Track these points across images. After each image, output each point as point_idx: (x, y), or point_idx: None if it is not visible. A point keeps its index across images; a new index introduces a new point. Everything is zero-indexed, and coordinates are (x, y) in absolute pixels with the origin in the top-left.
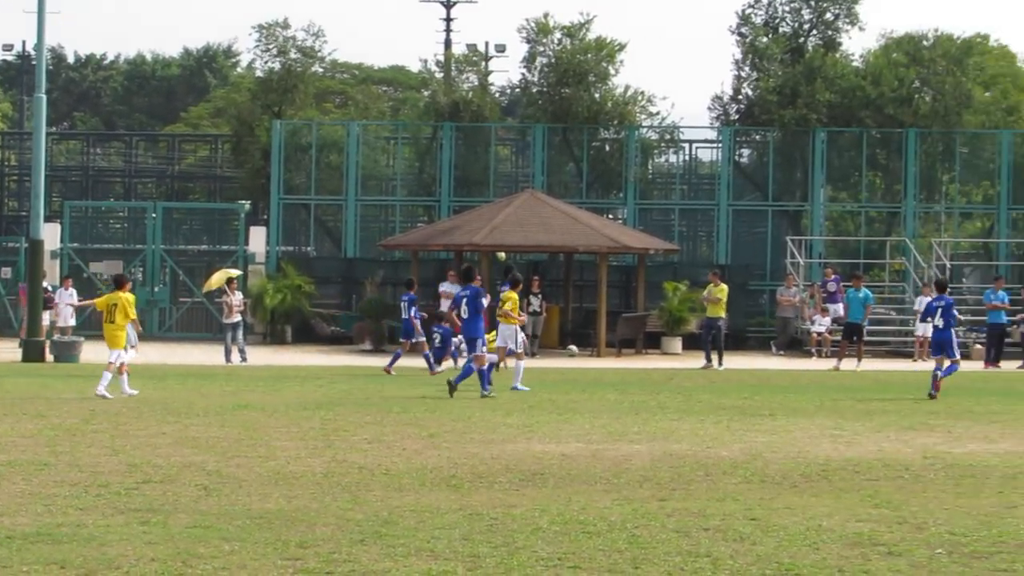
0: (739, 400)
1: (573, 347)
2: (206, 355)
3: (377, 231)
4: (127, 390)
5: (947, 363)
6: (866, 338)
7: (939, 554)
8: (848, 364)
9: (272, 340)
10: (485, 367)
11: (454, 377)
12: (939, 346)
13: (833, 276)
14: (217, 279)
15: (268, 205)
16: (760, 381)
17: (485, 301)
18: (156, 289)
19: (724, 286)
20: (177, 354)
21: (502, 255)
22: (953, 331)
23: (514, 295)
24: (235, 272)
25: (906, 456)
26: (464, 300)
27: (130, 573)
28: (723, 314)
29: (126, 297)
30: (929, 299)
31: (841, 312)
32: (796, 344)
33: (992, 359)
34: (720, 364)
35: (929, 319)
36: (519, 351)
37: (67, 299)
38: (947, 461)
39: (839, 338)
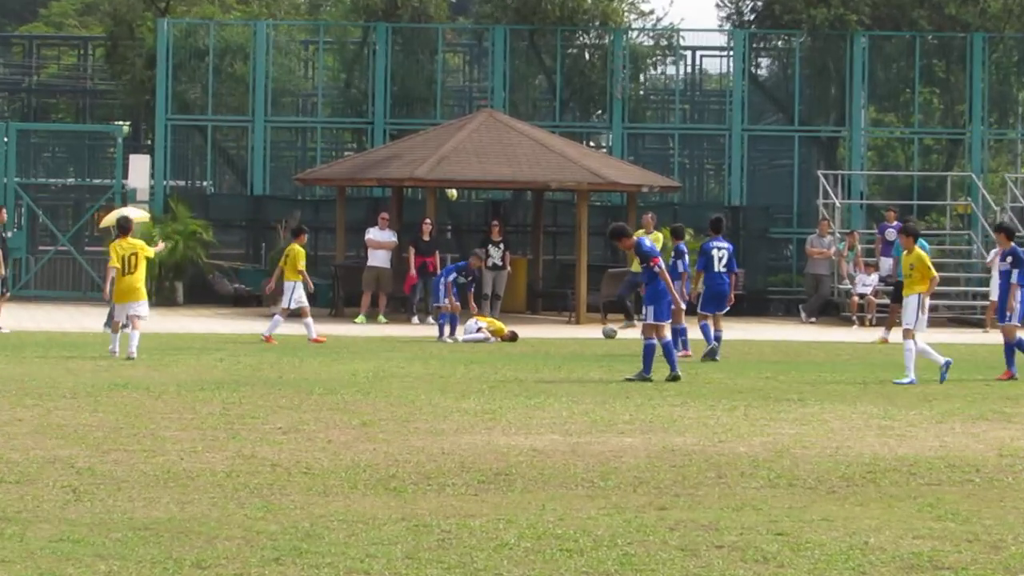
0: (759, 381)
1: (613, 327)
2: (74, 319)
3: (293, 162)
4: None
5: None
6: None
7: None
8: (899, 335)
9: (159, 300)
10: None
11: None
12: None
13: (895, 221)
14: (110, 219)
15: (153, 127)
16: (786, 356)
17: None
18: (9, 235)
19: (659, 234)
20: (37, 318)
21: (453, 193)
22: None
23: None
24: (141, 215)
25: (976, 454)
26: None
27: None
28: None
29: (297, 249)
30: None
31: (891, 268)
32: (832, 309)
33: None
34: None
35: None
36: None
37: None
38: None
39: (887, 301)
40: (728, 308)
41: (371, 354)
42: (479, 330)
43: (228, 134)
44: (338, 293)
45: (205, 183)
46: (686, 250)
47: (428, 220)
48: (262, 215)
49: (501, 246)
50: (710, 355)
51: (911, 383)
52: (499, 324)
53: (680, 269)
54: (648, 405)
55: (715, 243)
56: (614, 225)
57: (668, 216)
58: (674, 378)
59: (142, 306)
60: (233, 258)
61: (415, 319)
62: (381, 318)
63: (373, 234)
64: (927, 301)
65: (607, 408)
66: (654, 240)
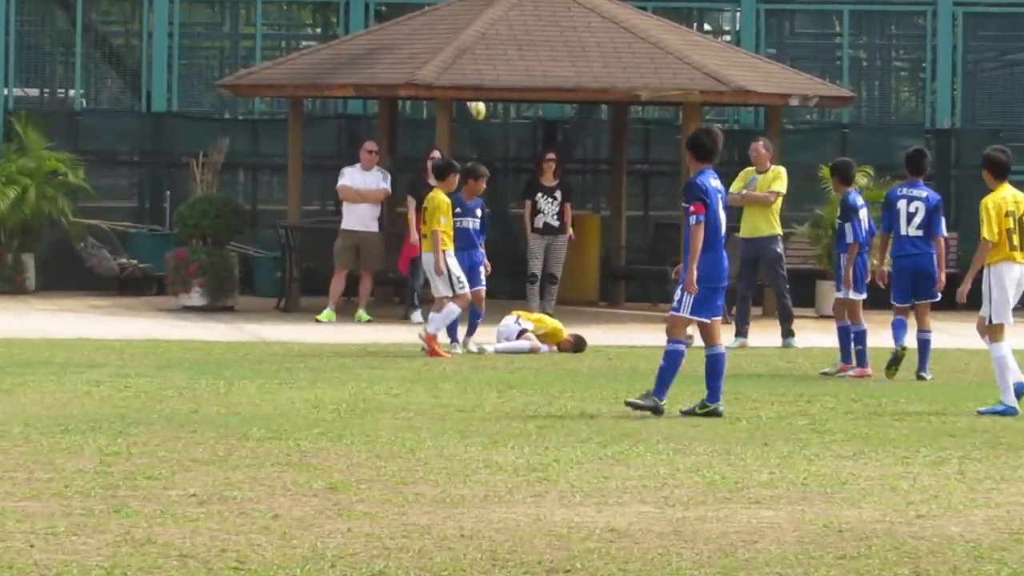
0: (982, 419)
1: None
2: None
3: (217, 58)
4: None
5: None
6: None
7: None
8: None
9: None
10: None
11: None
12: None
13: None
14: None
15: None
16: None
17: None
18: None
19: (780, 169)
20: None
21: (480, 108)
22: None
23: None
24: None
25: None
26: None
27: None
28: (778, 229)
29: (438, 199)
30: None
31: None
32: None
33: None
34: (786, 337)
35: None
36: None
37: None
38: None
39: None
40: (936, 295)
41: (345, 373)
42: (522, 333)
43: (110, 12)
44: (291, 273)
45: (72, 93)
46: (860, 202)
47: (437, 153)
48: (166, 145)
49: (558, 195)
50: (894, 363)
51: None
52: (554, 323)
53: (850, 239)
54: (800, 456)
55: (905, 190)
56: (702, 128)
57: (834, 146)
58: (711, 413)
59: None
60: (118, 215)
61: (416, 315)
62: (361, 314)
63: (350, 177)
64: (994, 278)
65: (732, 462)
66: (773, 178)
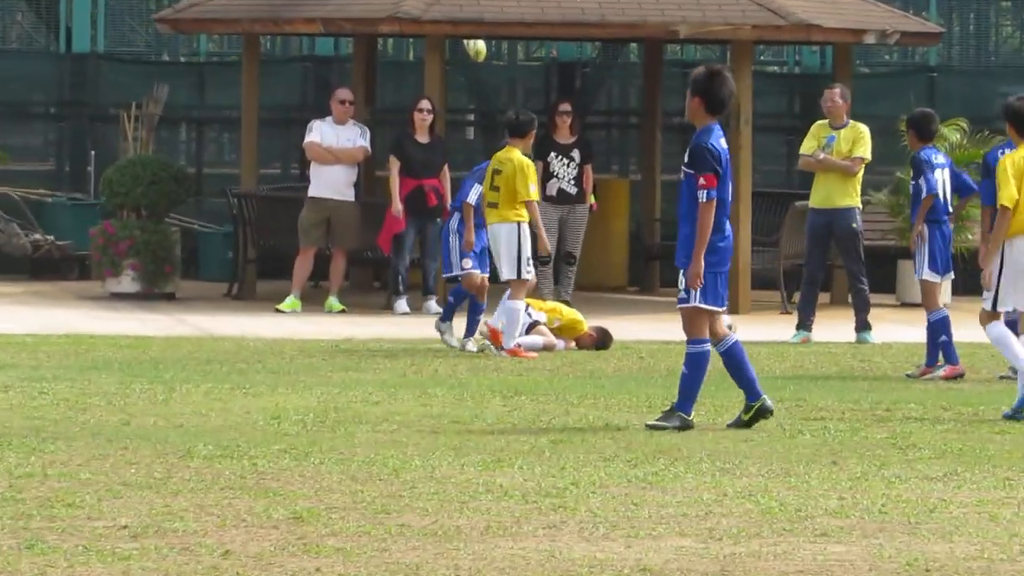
0: None
1: (728, 318)
2: None
3: None
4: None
5: None
6: None
7: None
8: None
9: None
10: None
11: None
12: None
13: None
14: None
15: None
16: None
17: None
18: None
19: (862, 129)
20: None
21: (479, 47)
22: None
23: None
24: None
25: None
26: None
27: None
28: (857, 201)
29: (518, 159)
30: None
31: None
32: None
33: None
34: (861, 331)
35: None
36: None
37: None
38: None
39: None
40: None
41: (312, 375)
42: (533, 327)
43: None
44: (245, 253)
45: None
46: (939, 160)
47: (427, 103)
48: (90, 94)
49: (576, 155)
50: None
51: None
52: (572, 314)
53: (924, 193)
54: (878, 478)
55: (1008, 151)
56: (716, 71)
57: (919, 93)
58: (758, 413)
59: None
60: (32, 181)
61: (401, 303)
62: (333, 302)
63: (320, 132)
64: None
65: (793, 485)
66: (855, 140)
